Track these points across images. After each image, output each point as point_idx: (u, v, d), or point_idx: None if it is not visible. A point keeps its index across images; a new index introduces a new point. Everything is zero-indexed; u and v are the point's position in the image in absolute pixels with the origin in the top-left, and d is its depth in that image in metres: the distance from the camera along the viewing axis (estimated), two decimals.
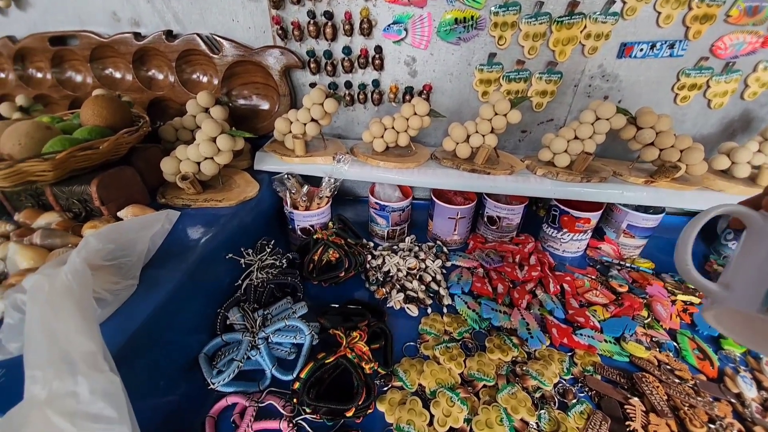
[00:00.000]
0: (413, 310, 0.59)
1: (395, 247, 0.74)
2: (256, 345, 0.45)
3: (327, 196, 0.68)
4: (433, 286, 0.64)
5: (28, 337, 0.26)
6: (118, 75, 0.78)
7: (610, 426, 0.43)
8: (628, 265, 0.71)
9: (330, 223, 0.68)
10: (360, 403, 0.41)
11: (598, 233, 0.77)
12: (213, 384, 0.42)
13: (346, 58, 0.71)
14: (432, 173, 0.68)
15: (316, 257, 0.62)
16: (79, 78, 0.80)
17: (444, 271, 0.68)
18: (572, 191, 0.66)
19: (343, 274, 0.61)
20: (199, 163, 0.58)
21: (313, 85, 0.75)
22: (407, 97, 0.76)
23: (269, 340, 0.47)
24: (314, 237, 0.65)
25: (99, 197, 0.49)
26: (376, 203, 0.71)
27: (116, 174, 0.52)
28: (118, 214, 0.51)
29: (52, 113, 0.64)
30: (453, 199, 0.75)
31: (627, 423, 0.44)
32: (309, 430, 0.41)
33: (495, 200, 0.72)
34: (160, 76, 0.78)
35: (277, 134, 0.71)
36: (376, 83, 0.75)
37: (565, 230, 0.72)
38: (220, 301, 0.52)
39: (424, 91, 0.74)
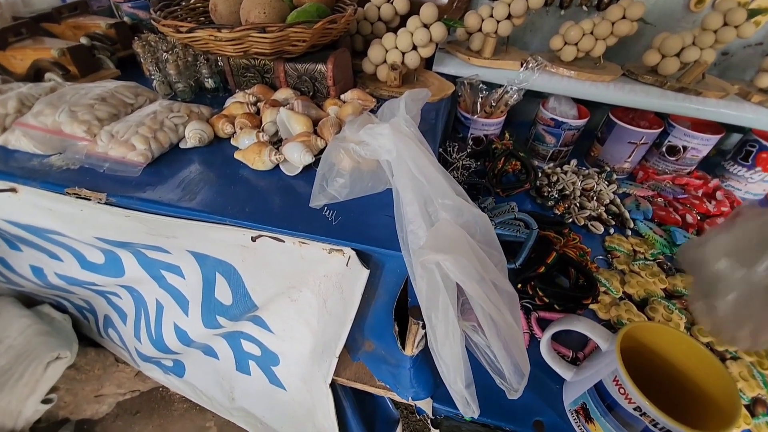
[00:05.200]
0: (598, 227, 0.59)
1: (558, 169, 0.71)
2: None
3: (511, 105, 0.65)
4: (613, 208, 0.63)
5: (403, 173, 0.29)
6: None
7: None
8: None
9: (507, 135, 0.66)
10: (595, 294, 0.43)
11: None
12: None
13: None
14: (629, 89, 0.63)
15: (499, 165, 0.62)
16: None
17: (616, 196, 0.66)
18: None
19: (528, 185, 0.61)
20: (404, 54, 0.57)
21: None
22: (604, 1, 0.67)
23: None
24: (493, 146, 0.64)
25: (333, 76, 0.50)
26: (552, 119, 0.67)
27: (341, 55, 0.52)
28: (342, 96, 0.52)
29: None
30: (634, 122, 0.70)
31: None
32: (530, 308, 0.46)
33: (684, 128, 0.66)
34: None
35: (461, 33, 0.67)
36: None
37: (758, 168, 0.65)
38: None
39: None
